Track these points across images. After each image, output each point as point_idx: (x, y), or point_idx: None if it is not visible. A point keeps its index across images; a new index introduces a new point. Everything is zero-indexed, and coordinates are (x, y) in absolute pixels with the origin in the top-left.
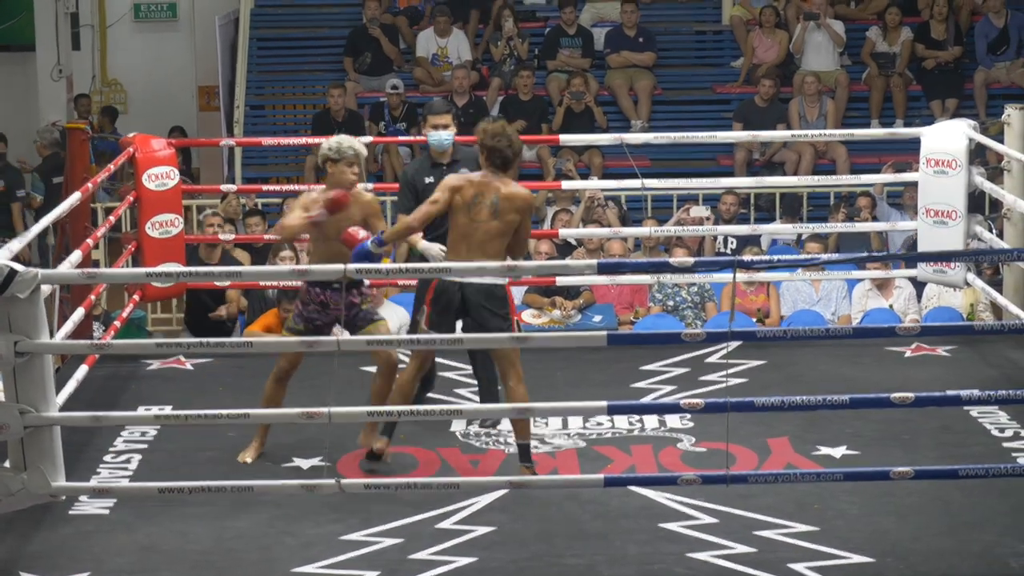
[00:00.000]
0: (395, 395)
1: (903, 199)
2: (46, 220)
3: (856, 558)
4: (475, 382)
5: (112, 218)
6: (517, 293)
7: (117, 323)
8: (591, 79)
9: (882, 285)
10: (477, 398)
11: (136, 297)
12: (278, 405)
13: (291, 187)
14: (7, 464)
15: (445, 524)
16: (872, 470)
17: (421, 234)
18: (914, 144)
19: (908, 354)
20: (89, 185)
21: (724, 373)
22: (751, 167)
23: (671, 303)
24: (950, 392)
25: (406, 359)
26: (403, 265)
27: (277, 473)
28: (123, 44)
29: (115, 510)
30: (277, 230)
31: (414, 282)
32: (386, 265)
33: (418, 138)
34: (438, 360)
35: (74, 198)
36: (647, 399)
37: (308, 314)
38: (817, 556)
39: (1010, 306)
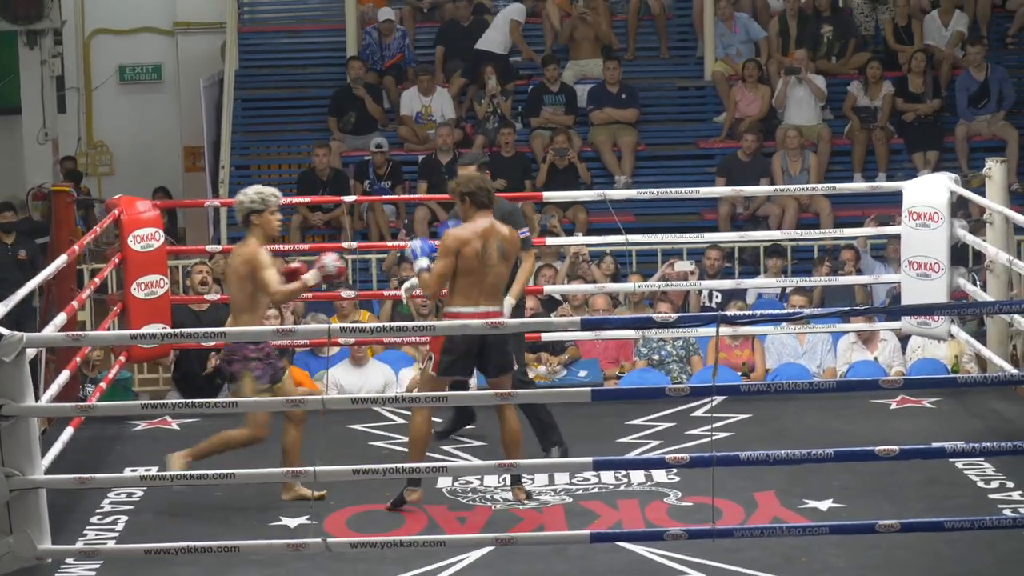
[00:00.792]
0: (413, 447)
1: (886, 252)
2: (32, 283)
3: None
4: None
5: (97, 280)
6: None
7: (103, 384)
8: (575, 136)
9: (867, 338)
10: (466, 456)
11: (122, 358)
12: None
13: (277, 247)
14: None
15: None
16: (859, 523)
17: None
18: (897, 197)
19: (893, 406)
20: (75, 247)
21: (709, 427)
22: (735, 221)
23: (656, 357)
24: (935, 444)
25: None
26: (389, 324)
27: (264, 532)
28: (109, 106)
29: (102, 572)
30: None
31: (400, 340)
32: (371, 324)
33: (403, 197)
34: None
35: (60, 260)
36: (633, 454)
37: (275, 369)
38: None
39: (994, 358)
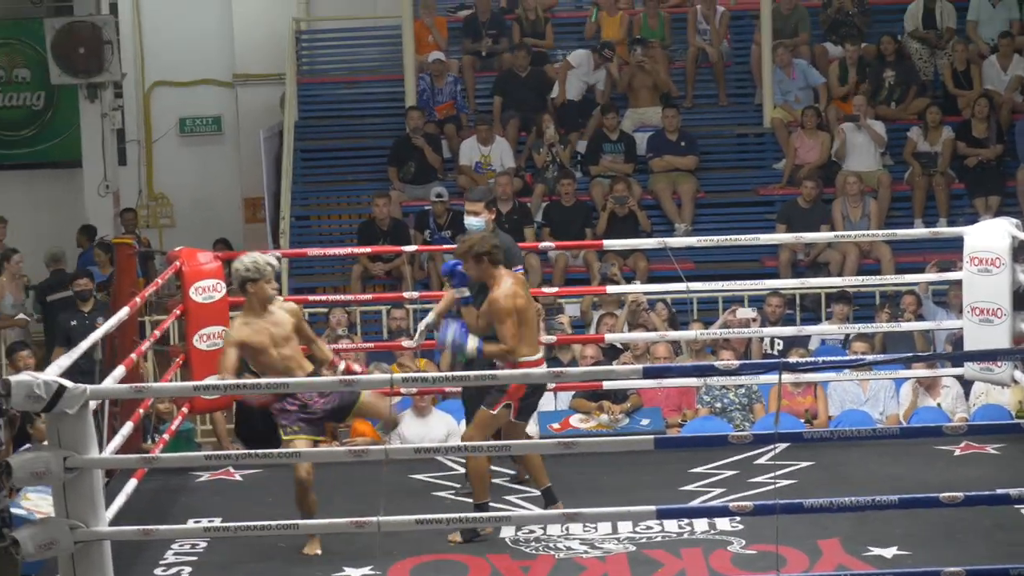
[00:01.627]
0: (478, 482)
1: (948, 297)
2: (96, 335)
3: None
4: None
5: (159, 331)
6: (564, 398)
7: (166, 436)
8: (634, 183)
9: (930, 384)
10: (528, 505)
11: (184, 410)
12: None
13: (337, 297)
14: None
15: None
16: (924, 570)
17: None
18: (958, 242)
19: (957, 452)
20: (137, 299)
21: (773, 475)
22: (796, 268)
23: (719, 405)
24: (1000, 491)
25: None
26: (450, 373)
27: None
28: (169, 158)
29: None
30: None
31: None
32: (433, 373)
33: None
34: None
35: (122, 313)
36: (696, 502)
37: (300, 417)
38: None
39: None
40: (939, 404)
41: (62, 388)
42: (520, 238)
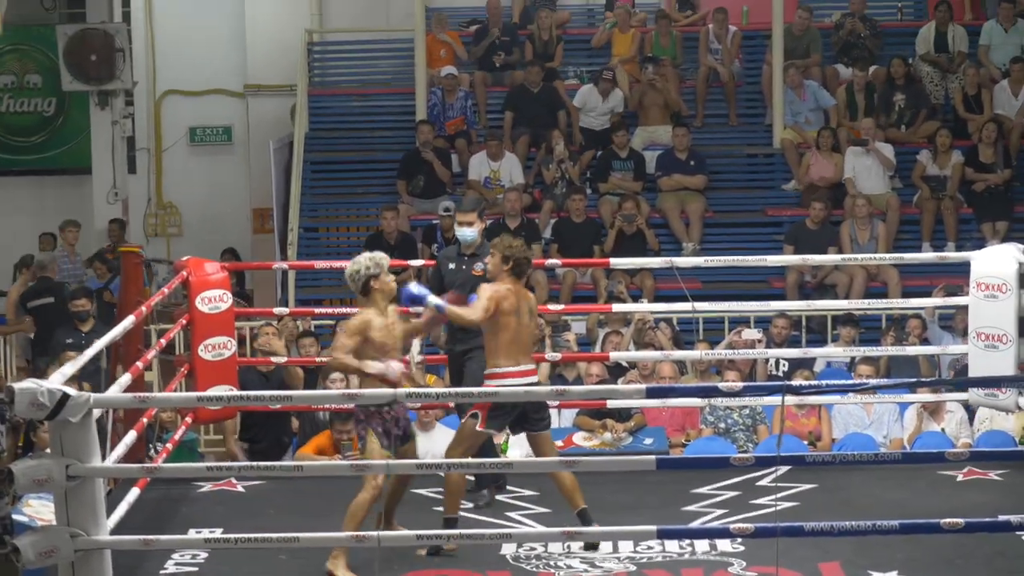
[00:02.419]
0: (451, 497)
1: (954, 322)
2: (101, 343)
3: None
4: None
5: (164, 340)
6: (568, 415)
7: (169, 445)
8: (643, 202)
9: (934, 409)
10: (530, 522)
11: (188, 420)
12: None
13: (344, 310)
14: None
15: None
16: None
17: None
18: (965, 267)
19: (960, 478)
20: (143, 308)
21: (774, 497)
22: (802, 289)
23: (723, 425)
24: (1002, 517)
25: None
26: (455, 389)
27: None
28: (178, 167)
29: None
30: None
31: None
32: (437, 389)
33: None
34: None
35: (128, 321)
36: (698, 523)
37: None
38: None
39: None
40: (943, 429)
41: (66, 396)
42: None
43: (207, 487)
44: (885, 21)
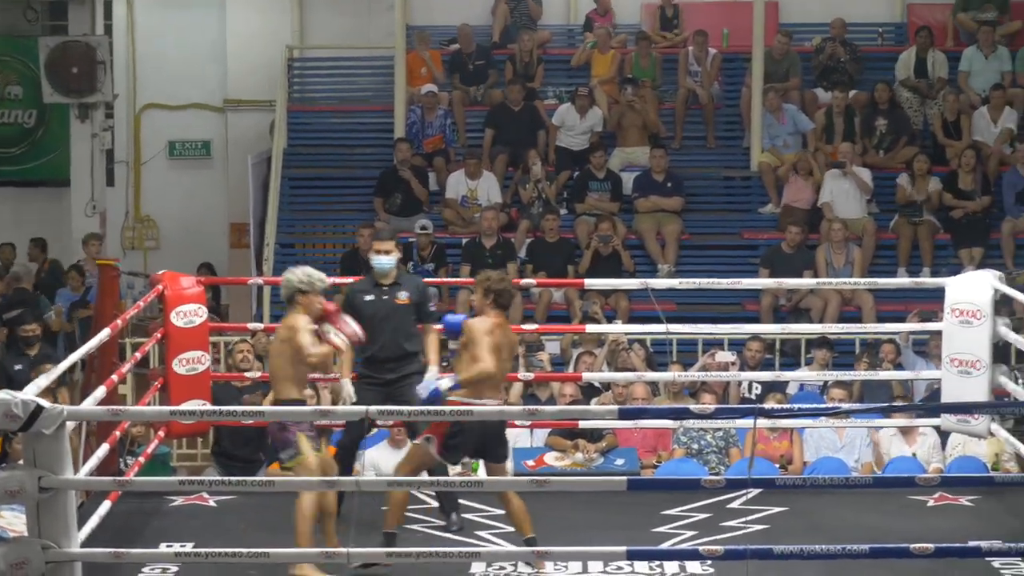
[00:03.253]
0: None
1: (928, 347)
2: (75, 355)
3: None
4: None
5: (139, 354)
6: (540, 435)
7: (141, 459)
8: (619, 223)
9: (906, 431)
10: (500, 541)
11: (161, 433)
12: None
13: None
14: None
15: None
16: None
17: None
18: (940, 293)
19: (931, 503)
20: (119, 321)
21: (745, 519)
22: (777, 313)
23: (695, 446)
24: (972, 543)
25: None
26: (425, 408)
27: None
28: (157, 181)
29: None
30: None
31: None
32: (410, 407)
33: (445, 280)
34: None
35: (103, 334)
36: (667, 544)
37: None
38: None
39: None
40: (915, 453)
41: (39, 408)
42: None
43: (179, 501)
44: (865, 46)
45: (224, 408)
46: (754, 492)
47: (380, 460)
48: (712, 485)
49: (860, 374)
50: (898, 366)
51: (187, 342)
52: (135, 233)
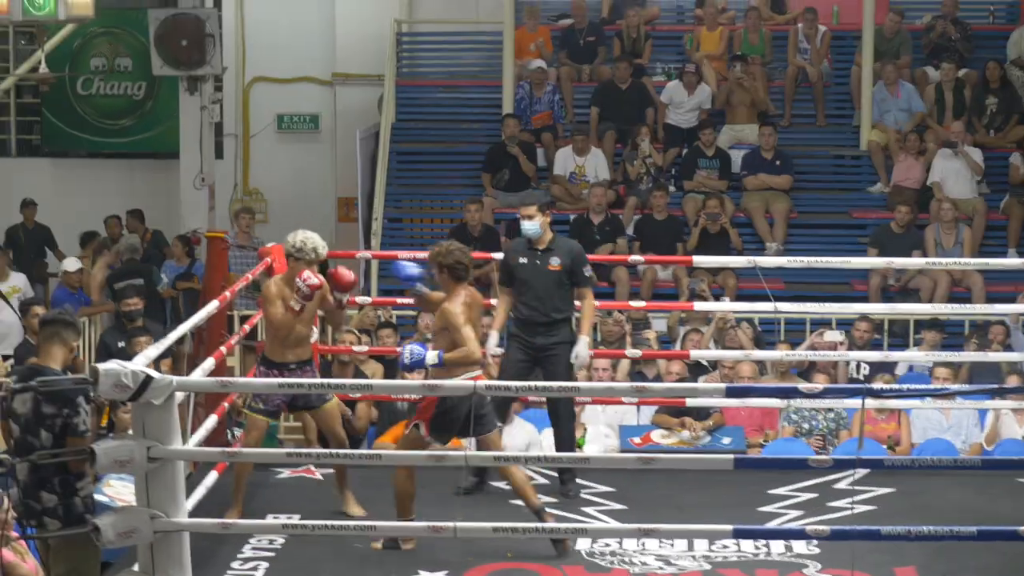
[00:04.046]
0: (399, 503)
1: None
2: (184, 326)
3: None
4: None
5: (248, 326)
6: (647, 412)
7: None
8: (727, 200)
9: (1017, 411)
10: (605, 518)
11: None
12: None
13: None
14: (136, 568)
15: None
16: None
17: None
18: None
19: None
20: (227, 293)
21: (851, 500)
22: (885, 293)
23: (806, 426)
24: None
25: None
26: (533, 383)
27: None
28: (265, 154)
29: None
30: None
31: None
32: (516, 383)
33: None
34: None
35: (212, 306)
36: (774, 523)
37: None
38: None
39: None
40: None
41: (149, 378)
42: (611, 250)
43: (285, 473)
44: (977, 24)
45: (332, 380)
46: (861, 473)
47: None
48: (819, 465)
49: (969, 355)
50: (1007, 347)
51: None
52: (243, 206)
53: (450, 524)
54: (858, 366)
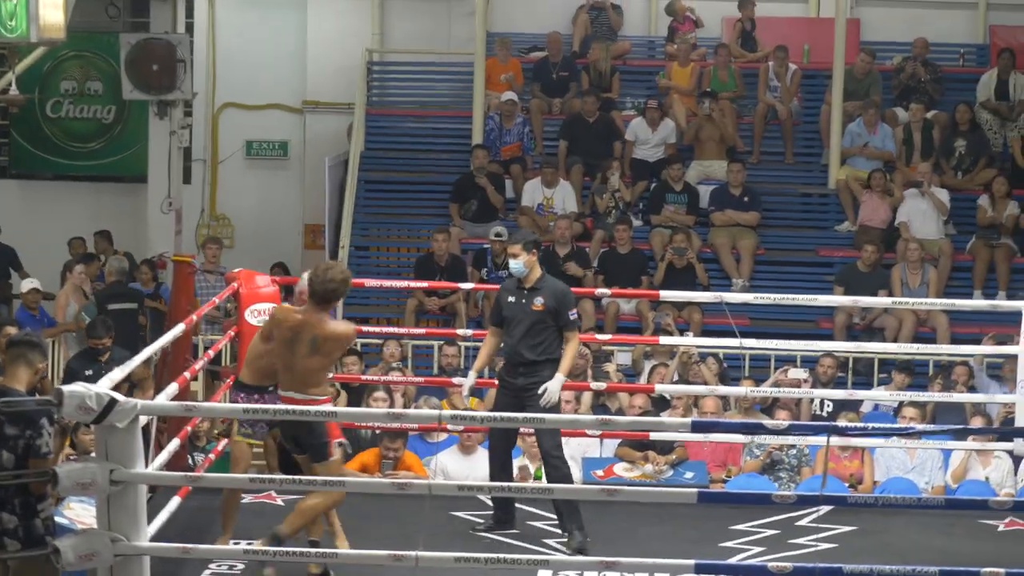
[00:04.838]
0: (301, 519)
1: (1003, 371)
2: (149, 350)
3: None
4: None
5: (212, 351)
6: (610, 445)
7: (212, 456)
8: (694, 236)
9: (982, 454)
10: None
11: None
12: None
13: (391, 329)
14: None
15: None
16: None
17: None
18: (1016, 317)
19: (1002, 528)
20: (193, 317)
21: (814, 537)
22: (851, 331)
23: (769, 461)
24: None
25: None
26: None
27: None
28: (233, 180)
29: None
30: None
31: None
32: (481, 412)
33: None
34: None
35: (177, 330)
36: (736, 559)
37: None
38: None
39: None
40: (987, 477)
41: (113, 401)
42: (576, 283)
43: (247, 499)
44: (947, 66)
45: (295, 407)
46: (824, 510)
47: (449, 465)
48: (783, 500)
49: (934, 395)
50: (971, 388)
51: None
52: (210, 231)
53: (412, 553)
54: (822, 403)
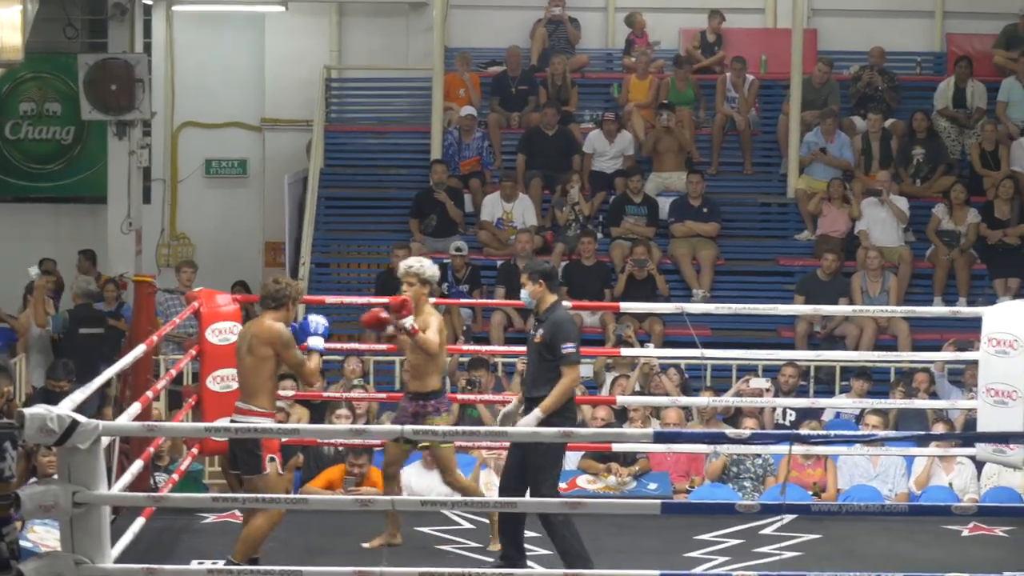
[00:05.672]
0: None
1: (964, 377)
2: (110, 371)
3: None
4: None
5: (174, 371)
6: (573, 458)
7: (175, 476)
8: (654, 247)
9: (944, 460)
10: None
11: (195, 451)
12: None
13: (353, 345)
14: None
15: None
16: None
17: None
18: (976, 322)
19: (965, 533)
20: (154, 338)
21: (778, 546)
22: (812, 340)
23: (734, 469)
24: (1007, 574)
25: None
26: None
27: None
28: (193, 198)
29: None
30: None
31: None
32: (443, 427)
33: (480, 301)
34: None
35: (139, 350)
36: (700, 569)
37: None
38: None
39: None
40: (951, 483)
41: (75, 423)
42: None
43: (211, 518)
44: (904, 75)
45: (258, 425)
46: (787, 519)
47: (413, 480)
48: (747, 510)
49: (896, 402)
50: (932, 395)
51: (222, 359)
52: (170, 251)
53: (376, 569)
54: (784, 412)
